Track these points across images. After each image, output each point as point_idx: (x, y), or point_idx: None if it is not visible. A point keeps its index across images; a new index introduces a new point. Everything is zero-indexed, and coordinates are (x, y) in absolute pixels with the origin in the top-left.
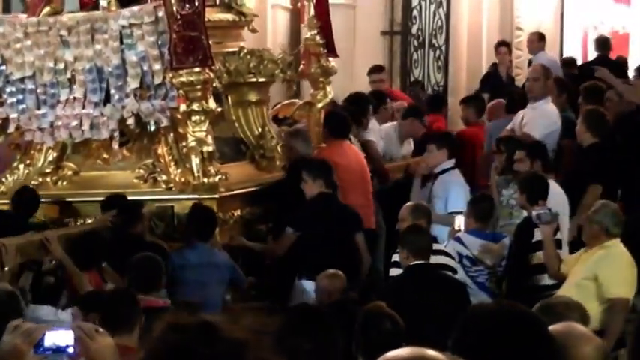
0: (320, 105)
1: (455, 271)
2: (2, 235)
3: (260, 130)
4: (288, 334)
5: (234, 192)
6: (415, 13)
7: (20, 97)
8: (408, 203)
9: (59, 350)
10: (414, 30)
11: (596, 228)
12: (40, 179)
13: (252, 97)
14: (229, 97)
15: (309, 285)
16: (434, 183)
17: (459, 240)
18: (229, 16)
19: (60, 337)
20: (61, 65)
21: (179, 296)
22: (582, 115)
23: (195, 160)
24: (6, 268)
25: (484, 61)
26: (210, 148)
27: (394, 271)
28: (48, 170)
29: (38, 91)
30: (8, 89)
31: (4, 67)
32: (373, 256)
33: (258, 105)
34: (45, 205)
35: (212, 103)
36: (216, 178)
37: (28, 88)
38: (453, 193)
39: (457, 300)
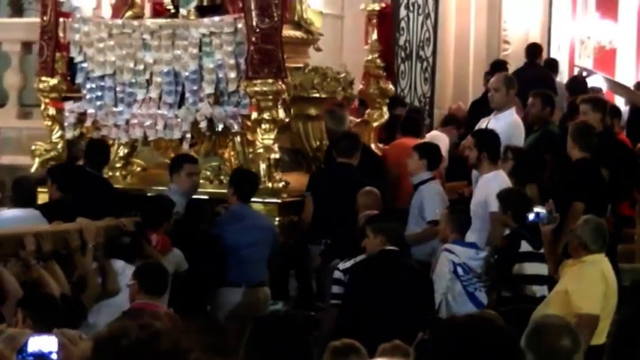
0: (375, 124)
1: None
2: (81, 188)
3: (318, 143)
4: (259, 341)
5: (295, 199)
6: (403, 24)
7: (99, 93)
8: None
9: (42, 356)
10: (401, 41)
11: (576, 242)
12: (110, 173)
13: (313, 111)
14: (291, 110)
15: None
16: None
17: (449, 250)
18: (298, 34)
19: (43, 342)
20: (141, 66)
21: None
22: (570, 128)
23: (262, 166)
24: (89, 246)
25: (471, 74)
26: (277, 155)
27: (336, 289)
28: (118, 165)
29: (117, 89)
30: (88, 85)
31: (85, 65)
32: None
33: (318, 119)
34: None
35: (282, 113)
36: (281, 184)
37: (107, 86)
38: (428, 202)
39: (423, 287)
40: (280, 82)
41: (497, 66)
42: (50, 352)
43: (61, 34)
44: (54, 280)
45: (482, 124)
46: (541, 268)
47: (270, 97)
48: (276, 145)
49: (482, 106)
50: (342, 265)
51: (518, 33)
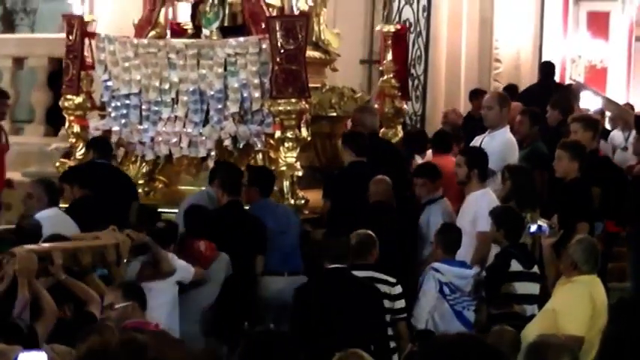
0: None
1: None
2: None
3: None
4: (250, 357)
5: (315, 215)
6: None
7: (124, 111)
8: None
9: None
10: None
11: (568, 262)
12: None
13: (329, 129)
14: (309, 129)
15: None
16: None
17: (436, 269)
18: (316, 54)
19: (34, 358)
20: (166, 85)
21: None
22: (564, 146)
23: (285, 183)
24: (124, 260)
25: (462, 92)
26: (300, 173)
27: None
28: (141, 182)
29: (142, 107)
30: (113, 104)
31: (110, 83)
32: None
33: (334, 137)
34: None
35: (304, 132)
36: (303, 201)
37: (132, 104)
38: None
39: (370, 304)
40: (304, 102)
41: (510, 91)
42: None
43: (86, 54)
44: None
45: (476, 142)
46: (531, 288)
47: (294, 116)
48: (298, 163)
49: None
50: None
51: (509, 51)
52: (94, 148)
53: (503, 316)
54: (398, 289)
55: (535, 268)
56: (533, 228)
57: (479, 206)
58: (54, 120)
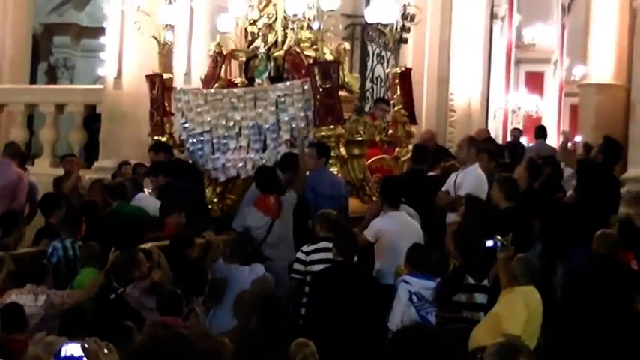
0: (403, 159)
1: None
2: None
3: (362, 175)
4: (255, 346)
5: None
6: (368, 94)
7: (199, 146)
8: None
9: None
10: (366, 108)
11: (510, 274)
12: (210, 206)
13: (357, 151)
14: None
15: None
16: None
17: (406, 281)
18: (342, 93)
19: (75, 349)
20: (231, 123)
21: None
22: (496, 180)
23: None
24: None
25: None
26: None
27: (296, 266)
28: (215, 200)
29: (214, 141)
30: (190, 140)
31: (187, 125)
32: None
33: (361, 157)
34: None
35: (343, 151)
36: None
37: (205, 140)
38: None
39: (369, 291)
40: (340, 127)
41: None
42: (81, 357)
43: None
44: None
45: (451, 179)
46: (480, 298)
47: (333, 139)
48: (339, 175)
49: None
50: (305, 248)
51: (462, 103)
52: (164, 151)
53: (455, 320)
54: (311, 257)
55: (485, 282)
56: (489, 243)
57: None
58: (88, 155)
